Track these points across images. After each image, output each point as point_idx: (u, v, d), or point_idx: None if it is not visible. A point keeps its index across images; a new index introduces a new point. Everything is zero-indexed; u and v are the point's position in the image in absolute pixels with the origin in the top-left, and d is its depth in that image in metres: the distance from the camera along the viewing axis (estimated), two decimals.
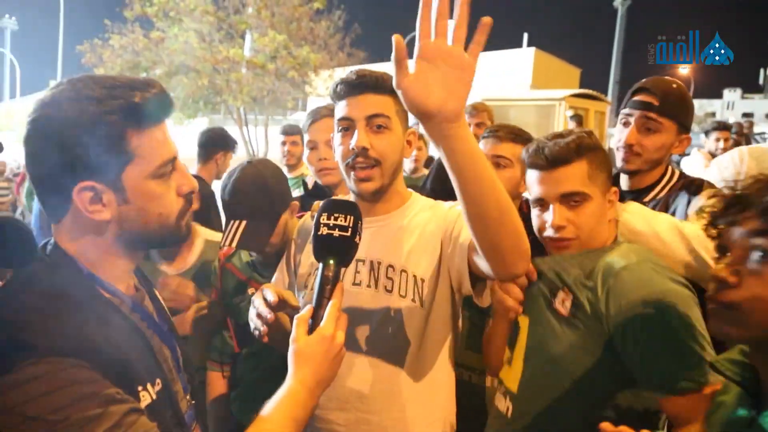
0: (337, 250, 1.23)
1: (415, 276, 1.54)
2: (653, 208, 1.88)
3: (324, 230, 1.25)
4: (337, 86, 1.55)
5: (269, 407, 1.09)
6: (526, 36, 29.07)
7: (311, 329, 1.15)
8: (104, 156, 0.99)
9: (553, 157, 1.53)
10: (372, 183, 1.52)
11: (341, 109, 1.54)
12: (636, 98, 2.04)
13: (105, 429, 0.88)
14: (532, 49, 24.48)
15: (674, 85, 2.04)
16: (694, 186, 1.99)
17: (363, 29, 17.55)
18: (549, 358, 1.49)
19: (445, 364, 1.62)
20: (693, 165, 4.91)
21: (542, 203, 1.59)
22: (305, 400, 1.10)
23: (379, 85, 1.50)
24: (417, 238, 1.57)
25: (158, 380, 1.07)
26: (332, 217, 1.25)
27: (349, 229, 1.24)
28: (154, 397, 1.04)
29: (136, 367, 1.02)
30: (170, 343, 1.18)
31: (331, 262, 1.21)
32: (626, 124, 2.03)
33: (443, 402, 1.64)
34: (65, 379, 0.88)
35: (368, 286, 1.57)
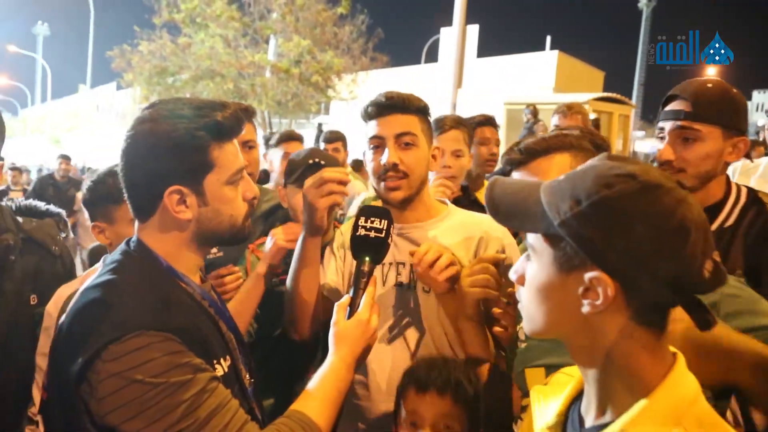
0: (372, 249, 1.40)
1: None
2: (726, 244, 1.61)
3: (362, 231, 1.43)
4: (367, 108, 1.70)
5: (315, 380, 1.26)
6: (549, 39, 28.93)
7: (349, 315, 1.33)
8: (191, 164, 1.18)
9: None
10: (400, 192, 1.67)
11: (372, 128, 1.69)
12: (667, 108, 1.80)
13: (194, 392, 1.05)
14: (555, 52, 24.27)
15: (709, 85, 1.76)
16: (756, 207, 1.66)
17: (385, 34, 17.69)
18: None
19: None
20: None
21: None
22: (345, 374, 1.27)
23: (405, 105, 1.66)
24: (453, 248, 1.66)
25: (228, 356, 1.23)
26: (369, 221, 1.43)
27: (383, 232, 1.42)
28: (226, 370, 1.20)
29: (212, 343, 1.19)
30: (233, 328, 1.34)
31: (367, 259, 1.39)
32: (662, 139, 1.77)
33: None
34: (163, 349, 1.05)
35: (408, 287, 1.71)
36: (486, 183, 3.21)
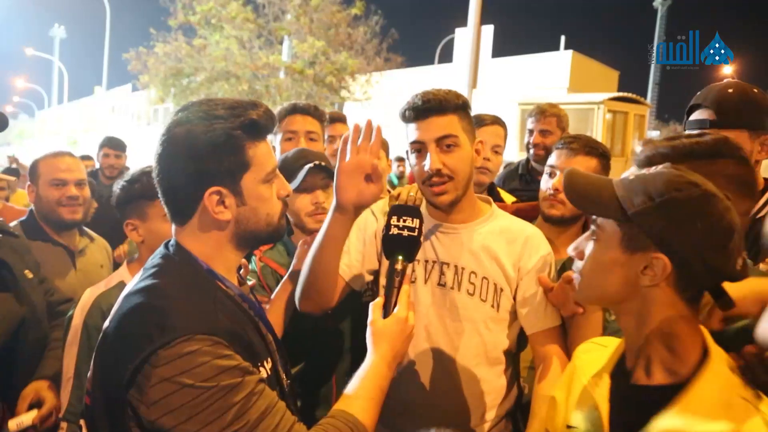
0: (405, 247, 1.41)
1: (495, 284, 1.71)
2: (757, 234, 1.60)
3: (394, 231, 1.42)
4: (405, 111, 1.67)
5: (356, 380, 1.26)
6: (563, 39, 28.72)
7: (384, 314, 1.34)
8: (229, 165, 1.17)
9: None
10: (448, 195, 1.66)
11: (412, 132, 1.67)
12: (691, 118, 1.83)
13: (244, 395, 1.05)
14: (570, 51, 24.08)
15: (729, 90, 1.79)
16: None
17: (400, 34, 17.68)
18: None
19: (509, 366, 1.78)
20: None
21: None
22: (385, 372, 1.28)
23: (443, 107, 1.62)
24: (497, 252, 1.72)
25: (269, 359, 1.24)
26: (401, 220, 1.43)
27: (416, 230, 1.42)
28: (269, 373, 1.21)
29: (255, 346, 1.20)
30: (271, 330, 1.35)
31: (400, 258, 1.39)
32: None
33: (506, 402, 1.78)
34: (212, 353, 1.05)
35: (452, 287, 1.72)
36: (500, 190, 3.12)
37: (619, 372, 1.15)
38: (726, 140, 1.36)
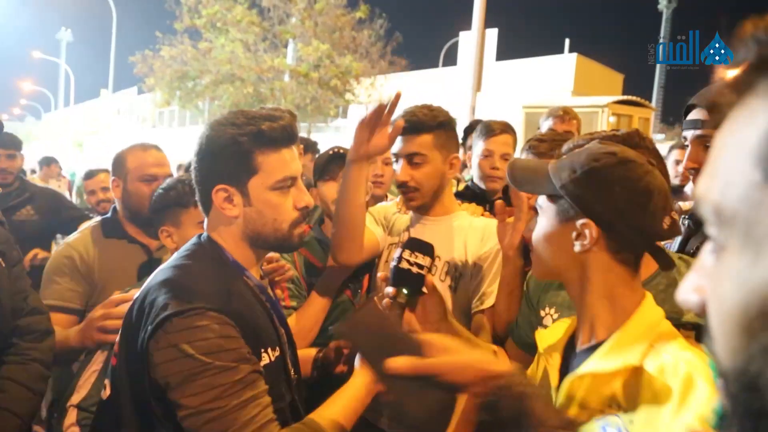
0: (411, 283, 1.41)
1: (456, 267, 1.92)
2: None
3: (405, 264, 1.42)
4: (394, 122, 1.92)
5: (337, 395, 1.27)
6: (567, 42, 28.71)
7: None
8: (234, 167, 1.31)
9: None
10: (414, 202, 1.94)
11: (395, 144, 1.88)
12: (687, 118, 1.87)
13: (232, 381, 1.15)
14: (574, 54, 24.04)
15: None
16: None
17: (404, 37, 17.73)
18: None
19: None
20: None
21: None
22: (364, 397, 1.25)
23: (418, 128, 1.86)
24: (462, 242, 1.94)
25: (277, 347, 1.34)
26: (413, 255, 1.43)
27: (425, 268, 1.43)
28: (273, 359, 1.30)
29: (263, 332, 1.30)
30: (284, 324, 1.45)
31: (405, 291, 1.39)
32: (686, 147, 1.85)
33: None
34: (218, 331, 1.16)
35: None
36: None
37: (570, 344, 1.23)
38: (637, 132, 1.48)
